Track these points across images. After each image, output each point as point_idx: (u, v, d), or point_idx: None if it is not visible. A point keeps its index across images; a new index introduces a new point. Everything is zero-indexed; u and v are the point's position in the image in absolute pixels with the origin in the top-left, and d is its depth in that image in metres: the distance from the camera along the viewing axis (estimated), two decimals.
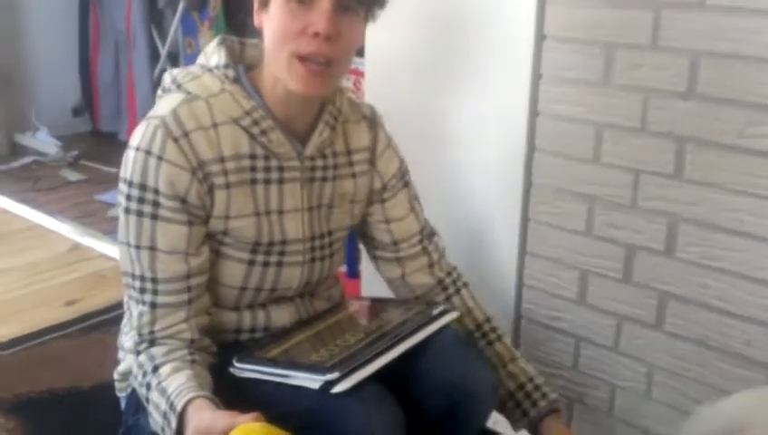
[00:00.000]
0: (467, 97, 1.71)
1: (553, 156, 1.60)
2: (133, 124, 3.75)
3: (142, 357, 1.20)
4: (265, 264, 1.26)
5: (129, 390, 1.35)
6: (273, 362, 1.21)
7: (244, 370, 1.22)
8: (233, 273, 1.25)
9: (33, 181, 3.45)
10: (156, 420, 1.15)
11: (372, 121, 1.38)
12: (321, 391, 1.12)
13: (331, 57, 1.15)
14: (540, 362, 1.72)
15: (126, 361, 1.34)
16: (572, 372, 1.68)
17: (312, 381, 1.14)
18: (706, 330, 1.47)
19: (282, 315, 1.32)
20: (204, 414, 1.07)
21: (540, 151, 1.63)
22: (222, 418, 1.04)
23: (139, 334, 1.21)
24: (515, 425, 1.40)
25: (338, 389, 1.11)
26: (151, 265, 1.18)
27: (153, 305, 1.20)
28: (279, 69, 1.18)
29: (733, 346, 1.44)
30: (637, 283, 1.54)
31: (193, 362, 1.18)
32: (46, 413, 1.78)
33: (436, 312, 1.31)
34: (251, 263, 1.25)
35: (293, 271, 1.29)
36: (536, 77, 1.59)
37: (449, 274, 1.44)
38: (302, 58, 1.15)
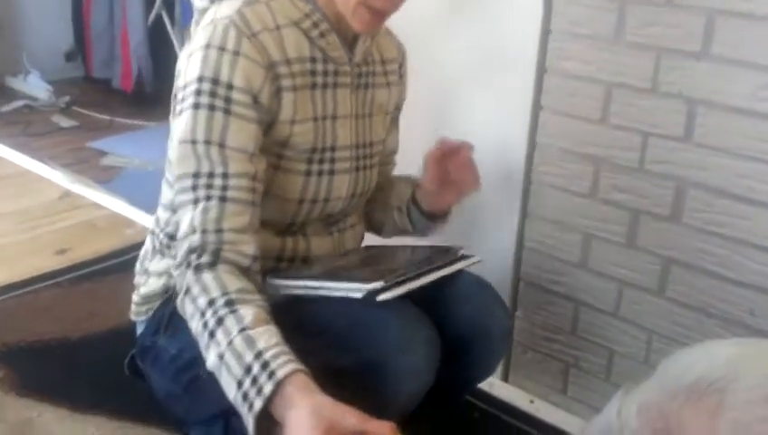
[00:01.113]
0: (472, 50, 1.66)
1: (560, 115, 1.56)
2: (127, 71, 3.67)
3: (207, 277, 1.10)
4: (320, 173, 1.27)
5: (149, 313, 1.33)
6: (314, 276, 1.21)
7: (280, 286, 1.20)
8: (292, 186, 1.25)
9: (24, 126, 3.38)
10: (229, 364, 1.04)
11: (399, 43, 1.42)
12: (363, 300, 1.12)
13: (393, 9, 1.21)
14: (537, 325, 1.70)
15: (150, 283, 1.33)
16: (570, 337, 1.66)
17: (355, 290, 1.13)
18: (709, 297, 1.45)
19: (321, 245, 1.33)
20: (321, 401, 0.97)
21: (546, 110, 1.58)
22: (350, 416, 0.95)
23: (203, 231, 1.13)
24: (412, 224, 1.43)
25: (382, 297, 1.11)
26: (223, 159, 1.14)
27: (223, 199, 1.14)
28: (344, 8, 1.20)
29: (735, 314, 1.42)
30: (640, 248, 1.52)
31: (267, 308, 1.11)
32: (36, 363, 1.76)
33: (461, 253, 1.33)
34: (308, 173, 1.25)
35: (343, 179, 1.30)
36: (545, 32, 1.54)
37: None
38: (371, 7, 1.18)
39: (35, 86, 3.73)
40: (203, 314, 1.08)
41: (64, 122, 3.46)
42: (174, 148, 1.20)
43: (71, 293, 2.05)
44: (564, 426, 1.61)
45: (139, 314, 1.37)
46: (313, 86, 1.23)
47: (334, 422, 0.94)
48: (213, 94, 1.14)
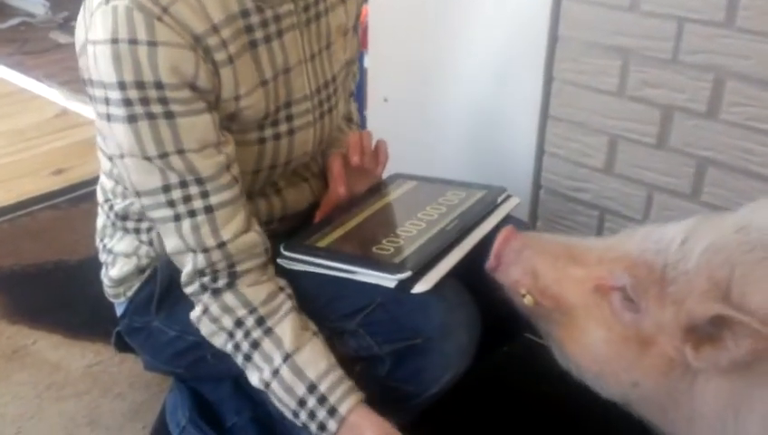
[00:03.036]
0: None
1: (584, 3, 1.41)
2: None
3: (229, 298, 1.05)
4: (276, 137, 1.12)
5: (128, 294, 1.23)
6: (332, 254, 1.09)
7: (293, 260, 1.10)
8: (245, 158, 1.10)
9: (21, 43, 3.29)
10: (278, 394, 1.04)
11: None
12: (397, 289, 1.05)
13: None
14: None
15: (119, 265, 1.22)
16: None
17: (383, 279, 1.05)
18: (750, 200, 1.31)
19: (297, 197, 1.22)
20: (388, 429, 1.01)
21: None
22: None
23: (204, 250, 1.03)
24: None
25: (419, 289, 1.04)
26: (189, 166, 1.00)
27: (209, 209, 1.02)
28: None
29: None
30: (672, 148, 1.40)
31: (297, 308, 1.07)
32: (30, 288, 1.70)
33: (500, 199, 1.24)
34: (261, 141, 1.11)
35: (306, 135, 1.16)
36: None
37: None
38: None
39: (32, 1, 3.61)
40: (231, 335, 1.06)
41: (62, 39, 3.35)
42: (121, 161, 1.02)
43: (68, 215, 1.99)
44: None
45: (117, 296, 1.26)
46: (253, 45, 1.05)
47: None
48: (145, 101, 0.96)
